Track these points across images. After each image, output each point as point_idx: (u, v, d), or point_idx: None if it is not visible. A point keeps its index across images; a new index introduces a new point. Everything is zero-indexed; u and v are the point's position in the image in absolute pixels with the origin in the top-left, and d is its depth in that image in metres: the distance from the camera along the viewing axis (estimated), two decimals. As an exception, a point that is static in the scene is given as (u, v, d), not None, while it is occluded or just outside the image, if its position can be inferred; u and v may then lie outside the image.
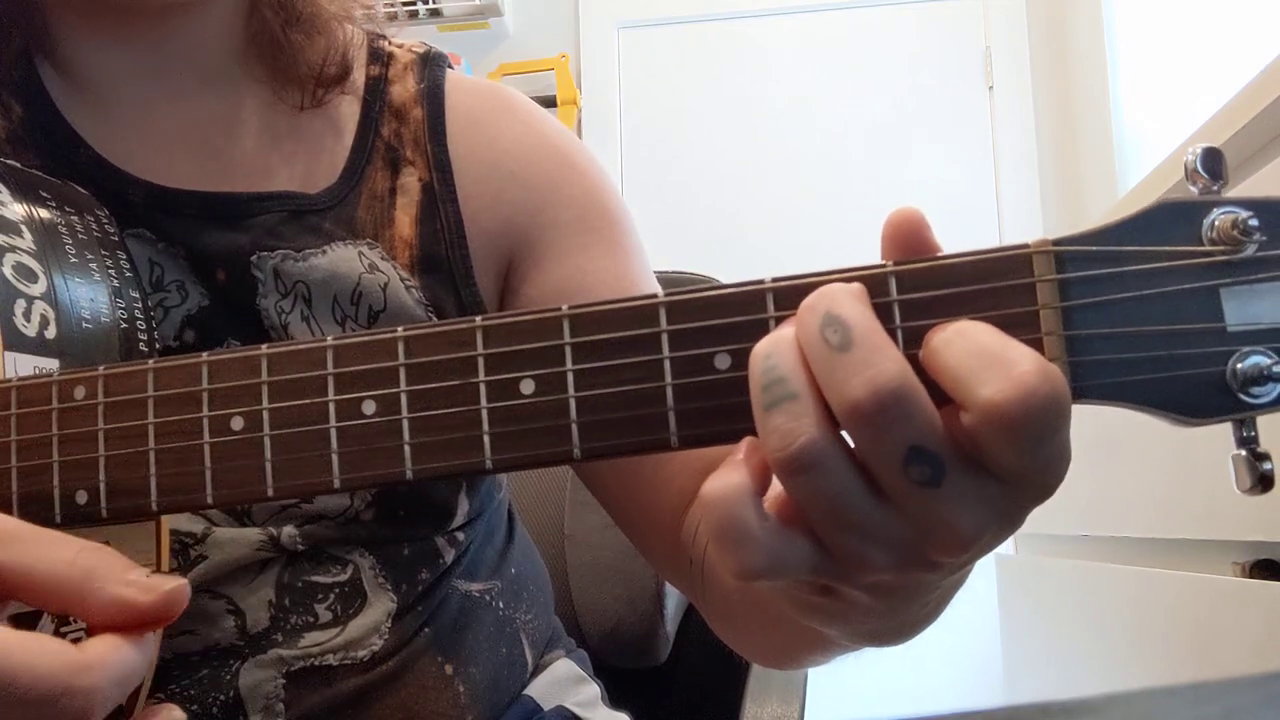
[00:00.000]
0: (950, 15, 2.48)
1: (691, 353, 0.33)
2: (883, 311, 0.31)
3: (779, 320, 0.32)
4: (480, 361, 0.34)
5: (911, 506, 0.30)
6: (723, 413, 0.32)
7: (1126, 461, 0.91)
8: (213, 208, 0.56)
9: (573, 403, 0.33)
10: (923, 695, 2.26)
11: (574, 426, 0.33)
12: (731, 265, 1.91)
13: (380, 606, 0.56)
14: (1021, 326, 0.30)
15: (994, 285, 0.31)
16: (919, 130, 2.45)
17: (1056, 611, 1.19)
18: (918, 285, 0.31)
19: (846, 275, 0.32)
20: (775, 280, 0.32)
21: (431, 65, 0.64)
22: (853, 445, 0.30)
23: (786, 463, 0.29)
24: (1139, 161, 2.07)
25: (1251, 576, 0.71)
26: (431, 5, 2.49)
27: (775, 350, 0.30)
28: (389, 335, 0.35)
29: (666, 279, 1.00)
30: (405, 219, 0.59)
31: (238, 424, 0.37)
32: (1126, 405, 0.30)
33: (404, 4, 2.50)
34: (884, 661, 2.36)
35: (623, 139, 2.56)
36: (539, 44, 2.59)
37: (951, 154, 2.43)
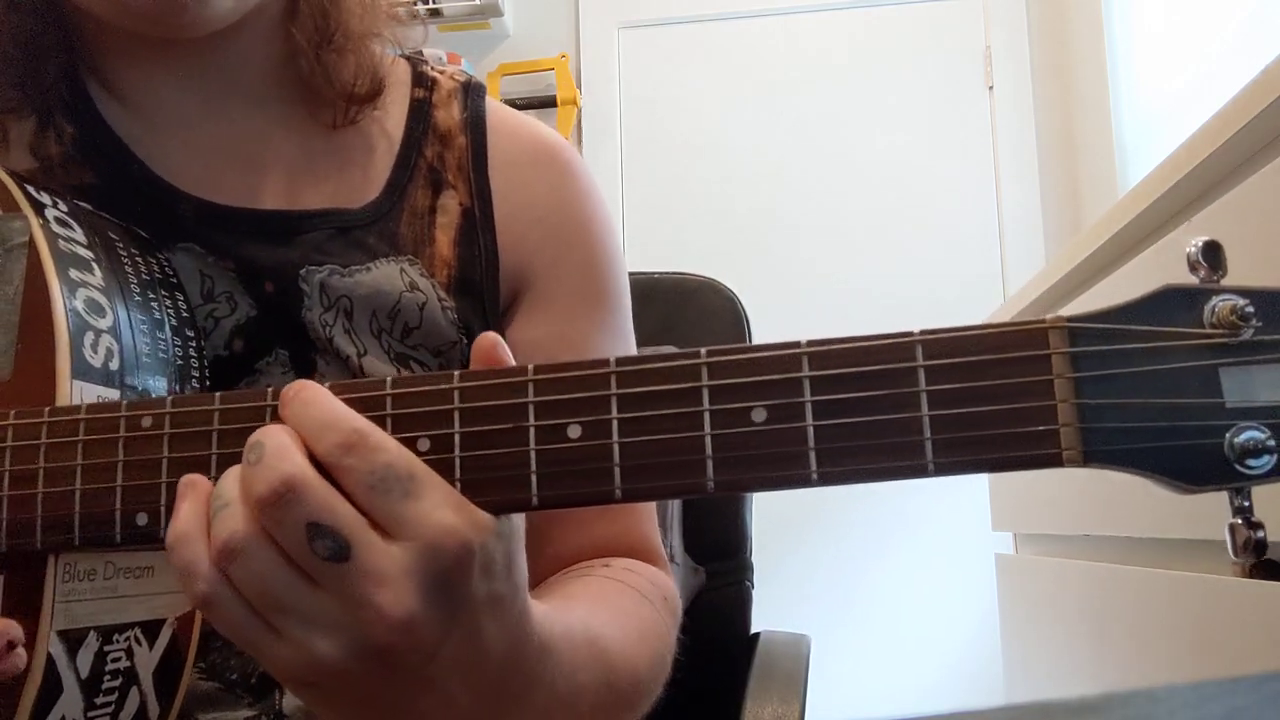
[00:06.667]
0: (950, 15, 2.48)
1: (729, 406, 0.35)
2: (908, 375, 0.34)
3: (811, 380, 0.35)
4: (531, 408, 0.37)
5: (331, 584, 0.35)
6: (757, 462, 0.35)
7: (1126, 461, 0.91)
8: (263, 224, 0.58)
9: (616, 448, 0.36)
10: (923, 695, 2.26)
11: (616, 470, 0.36)
12: (730, 265, 1.91)
13: None
14: (1037, 394, 0.33)
15: (1012, 355, 0.33)
16: (919, 130, 2.45)
17: (1056, 611, 1.19)
18: (942, 353, 0.34)
19: (877, 341, 0.34)
20: (810, 343, 0.35)
21: (473, 95, 0.67)
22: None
23: (216, 556, 0.35)
24: (1139, 162, 2.07)
25: (1251, 576, 0.71)
26: (432, 5, 2.49)
27: (227, 475, 0.37)
28: (445, 385, 0.38)
29: (667, 279, 1.00)
30: (444, 239, 0.61)
31: None
32: (1131, 471, 0.33)
33: (404, 4, 2.49)
34: (884, 661, 2.36)
35: (622, 139, 2.56)
36: (539, 44, 2.59)
37: (951, 154, 2.43)
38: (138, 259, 0.52)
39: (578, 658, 0.46)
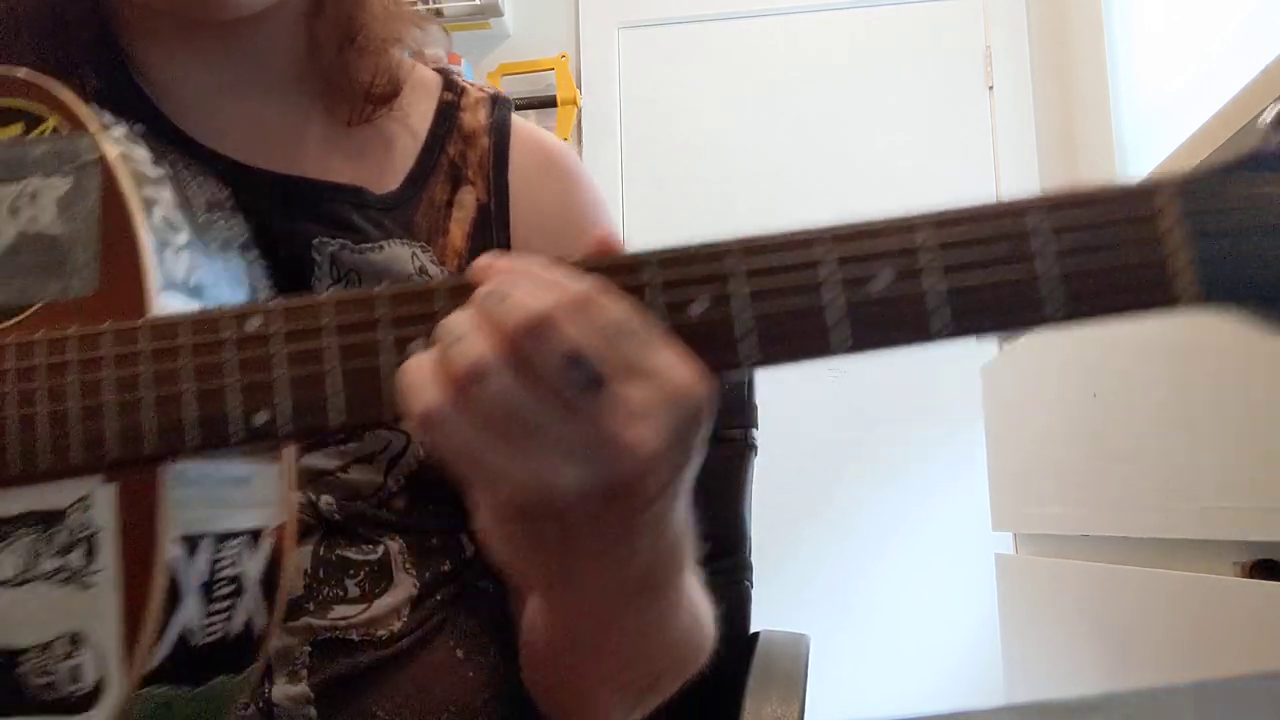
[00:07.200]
0: (950, 15, 2.48)
1: (852, 276, 0.37)
2: (1025, 236, 0.36)
3: (927, 248, 0.37)
4: (653, 289, 0.39)
5: (585, 413, 0.35)
6: (886, 323, 0.37)
7: (1126, 461, 0.91)
8: (289, 189, 0.60)
9: (739, 321, 0.38)
10: (922, 695, 2.26)
11: (753, 337, 0.38)
12: (731, 265, 1.91)
13: (403, 590, 0.59)
14: (1153, 244, 0.36)
15: (1128, 212, 0.36)
16: (919, 130, 2.45)
17: (1056, 611, 1.19)
18: (1059, 207, 0.36)
19: (993, 206, 0.36)
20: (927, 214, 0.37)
21: (500, 106, 0.69)
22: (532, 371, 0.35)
23: (461, 378, 0.34)
24: (1139, 162, 2.07)
25: (1251, 576, 0.71)
26: (432, 5, 2.49)
27: (450, 318, 0.36)
28: (568, 267, 0.38)
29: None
30: (459, 231, 0.63)
31: (417, 347, 0.38)
32: (1246, 308, 0.36)
33: (406, 3, 2.49)
34: (884, 661, 2.36)
35: (622, 139, 2.56)
36: (539, 44, 2.60)
37: (951, 154, 2.43)
38: (198, 178, 0.53)
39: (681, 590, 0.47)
